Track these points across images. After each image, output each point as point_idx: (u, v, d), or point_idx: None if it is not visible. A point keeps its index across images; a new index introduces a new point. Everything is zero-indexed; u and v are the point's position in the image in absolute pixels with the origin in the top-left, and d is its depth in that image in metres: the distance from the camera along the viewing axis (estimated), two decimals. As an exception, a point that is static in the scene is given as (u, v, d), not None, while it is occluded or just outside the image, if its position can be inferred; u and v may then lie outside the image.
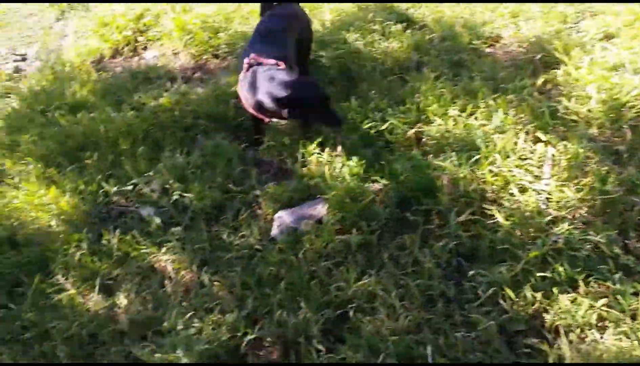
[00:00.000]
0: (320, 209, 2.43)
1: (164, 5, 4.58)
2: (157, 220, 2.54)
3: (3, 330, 2.21)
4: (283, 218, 2.44)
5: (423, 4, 3.82)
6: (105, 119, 3.20)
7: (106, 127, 3.14)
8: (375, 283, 2.08)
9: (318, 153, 2.69)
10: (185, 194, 2.61)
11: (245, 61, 2.63)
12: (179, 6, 4.56)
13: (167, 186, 2.69)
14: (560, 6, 3.38)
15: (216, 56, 4.03)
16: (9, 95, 4.02)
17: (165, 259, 2.32)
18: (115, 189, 2.74)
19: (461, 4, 3.72)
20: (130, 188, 2.76)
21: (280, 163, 2.84)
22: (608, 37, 3.02)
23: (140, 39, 4.41)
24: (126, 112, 3.26)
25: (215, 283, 2.19)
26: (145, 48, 4.42)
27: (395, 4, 3.86)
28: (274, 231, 2.42)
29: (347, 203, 2.35)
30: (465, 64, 3.11)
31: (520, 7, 3.46)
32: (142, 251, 2.36)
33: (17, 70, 4.53)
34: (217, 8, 4.37)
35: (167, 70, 3.90)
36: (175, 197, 2.63)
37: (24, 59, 4.79)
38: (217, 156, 2.87)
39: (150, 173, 2.80)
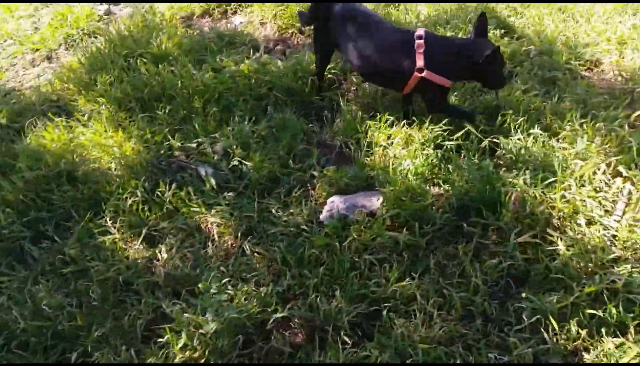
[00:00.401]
0: (375, 202, 2.38)
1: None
2: (213, 181, 2.59)
3: (45, 261, 2.33)
4: (335, 202, 2.42)
5: (526, 14, 3.62)
6: (184, 75, 3.31)
7: (184, 82, 3.24)
8: (415, 287, 2.01)
9: (384, 146, 2.64)
10: (245, 162, 2.64)
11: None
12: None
13: (230, 150, 2.73)
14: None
15: (302, 32, 4.04)
16: (96, 35, 4.25)
17: (212, 222, 2.36)
18: (179, 144, 2.83)
19: (565, 23, 3.49)
20: (194, 145, 2.84)
21: (343, 148, 2.81)
22: None
23: (233, 4, 4.51)
24: (206, 71, 3.34)
25: (256, 254, 2.20)
26: (235, 13, 4.51)
27: (498, 10, 3.68)
28: (324, 214, 2.40)
29: (404, 201, 2.29)
30: (559, 83, 2.91)
31: (631, 35, 3.19)
32: (192, 209, 2.42)
33: (109, 12, 4.76)
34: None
35: (252, 38, 3.95)
36: (234, 162, 2.68)
37: (116, 2, 5.04)
38: (283, 130, 2.88)
39: (216, 135, 2.86)
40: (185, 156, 2.83)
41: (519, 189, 2.21)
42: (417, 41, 2.47)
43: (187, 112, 3.07)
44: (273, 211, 2.43)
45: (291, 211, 2.43)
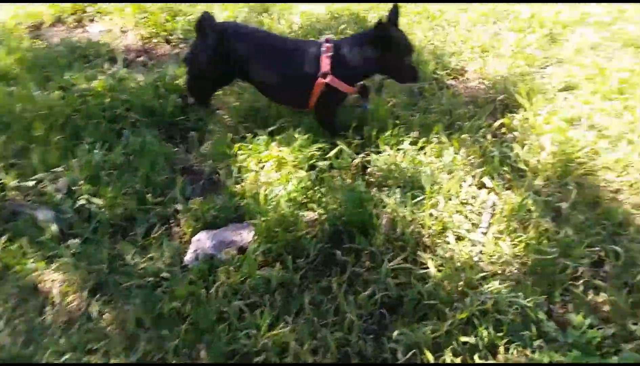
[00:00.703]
0: (245, 236, 2.16)
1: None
2: (54, 227, 2.19)
3: None
4: (201, 241, 2.16)
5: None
6: (24, 97, 2.83)
7: (24, 106, 2.77)
8: (290, 332, 1.83)
9: (255, 171, 2.43)
10: (93, 200, 2.28)
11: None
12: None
13: (76, 187, 2.35)
14: (529, 49, 3.23)
15: (168, 42, 3.70)
16: None
17: (52, 279, 1.99)
18: (14, 183, 2.39)
19: (435, 30, 3.53)
20: (31, 183, 2.41)
21: (212, 174, 2.56)
22: (570, 87, 2.89)
23: (89, 9, 4.02)
24: (51, 91, 2.89)
25: (106, 315, 1.88)
26: (92, 20, 4.02)
27: (368, 19, 3.62)
28: (188, 256, 2.13)
29: (276, 233, 2.10)
30: (425, 94, 2.90)
31: (493, 42, 3.30)
32: (27, 265, 2.02)
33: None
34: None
35: (110, 49, 3.53)
36: (81, 201, 2.30)
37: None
38: (141, 157, 2.56)
39: (60, 168, 2.46)
40: (22, 196, 2.40)
41: (389, 210, 2.12)
42: (325, 45, 2.39)
43: (25, 143, 2.61)
44: (128, 258, 2.11)
45: (150, 255, 2.12)
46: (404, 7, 3.70)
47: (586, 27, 3.48)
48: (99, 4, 4.00)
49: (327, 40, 2.42)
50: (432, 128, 2.55)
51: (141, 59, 3.59)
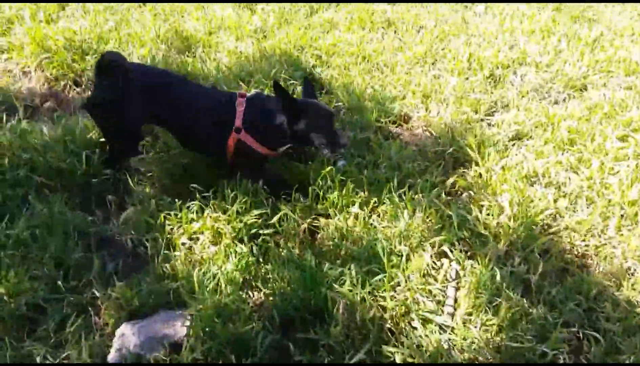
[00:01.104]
0: (179, 328, 1.92)
1: (23, 5, 3.82)
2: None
3: None
4: (126, 336, 1.90)
5: (332, 63, 3.54)
6: None
7: None
8: None
9: (188, 247, 2.21)
10: (-10, 292, 1.95)
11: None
12: (43, 12, 3.84)
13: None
14: (473, 93, 3.27)
15: (77, 84, 3.37)
16: None
17: None
18: None
19: (373, 72, 3.50)
20: None
21: (137, 248, 2.29)
22: (520, 136, 2.93)
23: (-19, 47, 3.59)
24: None
25: None
26: (-14, 58, 3.60)
27: (303, 60, 3.53)
28: (113, 355, 1.86)
29: (216, 324, 1.88)
30: (372, 144, 2.82)
31: (434, 86, 3.31)
32: None
33: None
34: (91, 24, 3.73)
35: (9, 93, 3.14)
36: (-24, 290, 1.97)
37: None
38: (50, 230, 2.25)
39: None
40: None
41: (343, 294, 1.95)
42: (239, 99, 2.37)
43: None
44: (38, 359, 1.81)
45: (66, 354, 1.84)
46: (337, 49, 3.67)
47: (526, 67, 3.60)
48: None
49: (241, 95, 2.40)
50: (383, 187, 2.46)
51: (49, 104, 3.24)
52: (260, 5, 4.25)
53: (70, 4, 4.08)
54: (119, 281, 2.07)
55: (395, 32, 4.02)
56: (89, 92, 3.28)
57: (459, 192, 2.57)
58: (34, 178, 2.47)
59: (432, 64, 3.62)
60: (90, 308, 2.02)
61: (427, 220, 2.33)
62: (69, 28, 3.60)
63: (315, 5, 4.33)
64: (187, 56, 3.57)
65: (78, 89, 3.35)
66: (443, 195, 2.46)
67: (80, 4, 4.06)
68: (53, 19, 3.88)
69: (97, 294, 2.02)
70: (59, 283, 2.03)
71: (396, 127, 3.08)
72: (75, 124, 2.79)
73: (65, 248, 2.19)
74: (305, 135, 2.38)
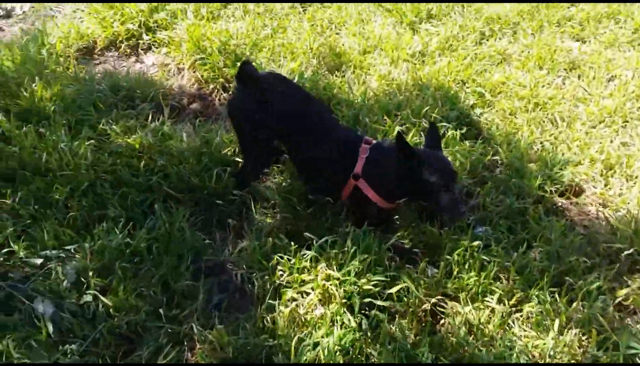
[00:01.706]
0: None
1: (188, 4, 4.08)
2: (51, 327, 1.98)
3: None
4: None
5: (495, 105, 3.22)
6: (50, 145, 2.67)
7: (49, 157, 2.60)
8: None
9: (294, 299, 2.12)
10: (102, 298, 2.05)
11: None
12: (206, 8, 4.05)
13: (84, 277, 2.13)
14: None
15: (225, 89, 3.49)
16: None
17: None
18: (22, 255, 2.21)
19: (544, 124, 3.11)
20: (39, 261, 2.22)
21: (245, 284, 2.26)
22: None
23: (145, 37, 3.90)
24: (82, 143, 2.71)
25: None
26: (149, 49, 3.91)
27: (461, 99, 3.25)
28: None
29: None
30: (528, 219, 2.47)
31: (620, 157, 2.80)
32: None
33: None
34: (248, 28, 3.84)
35: (161, 89, 3.34)
36: (88, 297, 2.08)
37: (8, 16, 4.32)
38: (167, 247, 2.31)
39: (73, 247, 2.25)
40: (23, 276, 2.20)
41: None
42: (363, 145, 2.32)
43: (41, 207, 2.43)
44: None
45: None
46: (505, 89, 3.33)
47: None
48: (157, 34, 3.87)
49: (366, 142, 2.35)
50: (534, 279, 2.13)
51: (195, 106, 3.41)
52: (424, 26, 4.03)
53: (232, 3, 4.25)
54: (221, 317, 2.07)
55: (579, 77, 3.54)
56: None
57: (632, 309, 2.13)
58: (163, 187, 2.58)
59: (622, 126, 3.10)
60: (185, 342, 2.02)
61: (584, 339, 1.95)
62: (226, 30, 3.73)
63: (488, 31, 4.00)
64: (336, 76, 3.50)
65: (225, 95, 3.47)
66: (611, 309, 2.04)
67: (242, 3, 4.21)
68: (214, 16, 4.07)
69: (195, 328, 2.02)
70: (161, 310, 2.06)
71: (564, 199, 2.67)
72: (214, 136, 2.87)
73: (177, 268, 2.23)
74: (422, 187, 2.18)
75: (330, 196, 2.50)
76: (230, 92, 3.46)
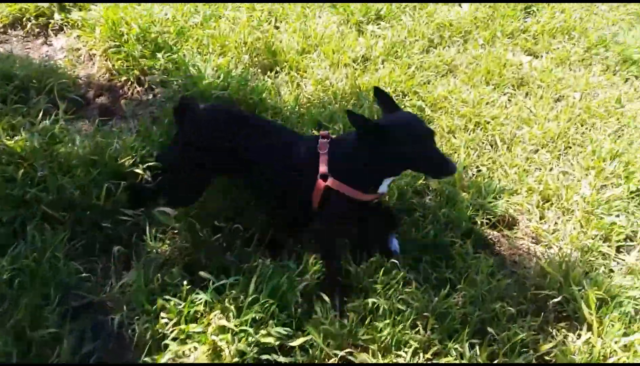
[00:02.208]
0: None
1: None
2: None
3: None
4: None
5: (436, 119, 2.95)
6: None
7: None
8: None
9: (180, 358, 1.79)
10: None
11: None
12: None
13: None
14: (611, 216, 2.50)
15: (140, 83, 3.09)
16: None
17: None
18: None
19: (482, 147, 2.86)
20: None
21: (124, 329, 1.91)
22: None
23: (57, 16, 3.43)
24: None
25: None
26: (60, 30, 3.44)
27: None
28: None
29: None
30: (454, 255, 2.24)
31: (558, 189, 2.59)
32: None
33: None
34: (175, 15, 3.41)
35: (61, 78, 2.90)
36: None
37: None
38: (33, 280, 1.93)
39: None
40: None
41: None
42: (321, 140, 2.05)
43: None
44: None
45: None
46: (446, 104, 3.09)
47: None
48: (71, 15, 3.40)
49: (323, 136, 2.08)
50: (455, 330, 1.91)
51: (101, 100, 3.00)
52: (371, 27, 3.72)
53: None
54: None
55: (527, 94, 3.33)
56: (151, 96, 3.00)
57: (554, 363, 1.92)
58: (41, 203, 2.17)
59: (564, 152, 2.90)
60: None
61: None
62: (149, 14, 3.30)
63: (437, 38, 3.72)
64: (269, 77, 3.16)
65: (139, 89, 3.07)
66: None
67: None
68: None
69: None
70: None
71: (495, 231, 2.45)
72: (112, 141, 2.48)
73: (41, 308, 1.86)
74: (398, 158, 1.96)
75: (301, 215, 2.21)
76: (145, 87, 3.07)
